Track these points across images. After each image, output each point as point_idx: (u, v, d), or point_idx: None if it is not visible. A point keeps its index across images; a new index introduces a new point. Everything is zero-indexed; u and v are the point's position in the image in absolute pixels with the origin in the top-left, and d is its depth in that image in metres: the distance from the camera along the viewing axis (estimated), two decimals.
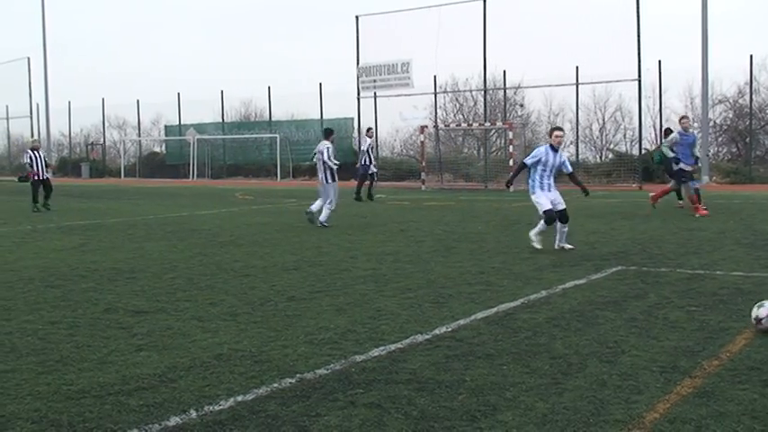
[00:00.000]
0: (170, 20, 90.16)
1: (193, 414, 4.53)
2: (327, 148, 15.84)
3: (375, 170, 24.72)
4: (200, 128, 44.55)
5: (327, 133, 16.29)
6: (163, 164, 47.28)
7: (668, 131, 18.90)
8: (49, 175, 21.38)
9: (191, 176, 43.29)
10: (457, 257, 10.80)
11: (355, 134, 37.34)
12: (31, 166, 21.16)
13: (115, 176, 46.79)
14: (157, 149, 50.63)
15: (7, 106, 50.12)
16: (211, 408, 4.63)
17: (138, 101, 47.82)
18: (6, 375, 5.36)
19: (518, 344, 6.03)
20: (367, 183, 23.94)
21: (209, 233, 14.44)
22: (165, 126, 48.21)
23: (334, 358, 5.66)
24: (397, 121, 37.61)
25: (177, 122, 46.15)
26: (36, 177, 21.01)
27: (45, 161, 21.59)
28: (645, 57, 28.60)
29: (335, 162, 15.87)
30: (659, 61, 30.55)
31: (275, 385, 5.05)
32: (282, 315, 7.17)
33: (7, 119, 51.45)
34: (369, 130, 26.02)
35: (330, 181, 15.70)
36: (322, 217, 15.36)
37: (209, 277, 9.38)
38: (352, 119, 37.57)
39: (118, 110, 50.47)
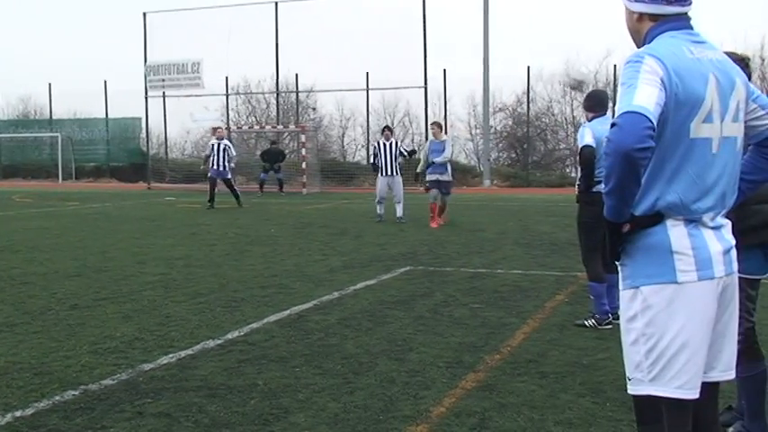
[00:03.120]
0: None
1: None
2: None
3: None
4: None
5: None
6: None
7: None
8: (229, 175, 18.48)
9: None
10: (250, 260, 10.72)
11: (143, 134, 36.15)
12: (208, 159, 18.76)
13: None
14: None
15: None
16: None
17: None
18: None
19: (310, 345, 6.08)
20: None
21: None
22: None
23: (120, 368, 5.45)
24: (187, 123, 36.78)
25: None
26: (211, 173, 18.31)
27: (227, 155, 18.90)
28: (431, 65, 29.72)
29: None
30: (444, 70, 31.85)
31: (57, 398, 4.79)
32: (64, 324, 6.82)
33: None
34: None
35: None
36: None
37: None
38: (140, 119, 36.35)
39: None
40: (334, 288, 8.54)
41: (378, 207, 16.57)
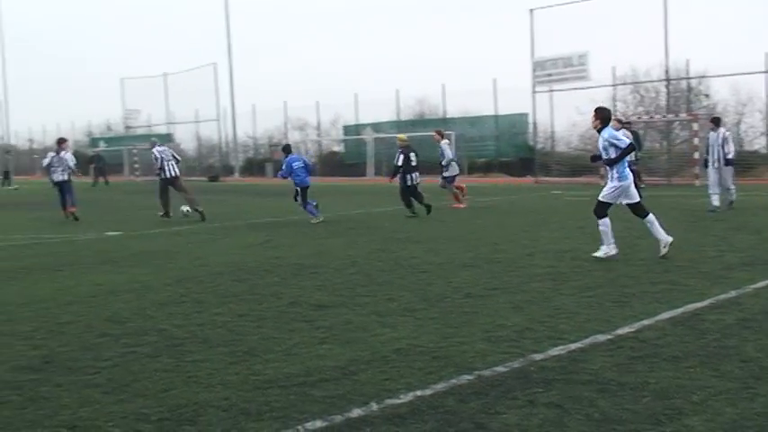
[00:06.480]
0: (347, 23, 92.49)
1: (374, 407, 4.63)
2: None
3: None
4: (376, 127, 45.33)
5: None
6: (341, 163, 48.44)
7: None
8: (418, 181, 17.67)
9: (368, 174, 44.13)
10: (639, 255, 10.45)
11: (530, 130, 36.85)
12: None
13: None
14: (336, 149, 51.95)
15: (197, 110, 52.88)
16: (392, 401, 4.72)
17: (317, 102, 49.25)
18: (199, 365, 5.69)
19: (705, 346, 5.76)
20: None
21: (386, 230, 14.70)
22: (343, 126, 49.39)
23: (512, 356, 5.62)
24: (573, 116, 36.78)
25: (354, 122, 47.20)
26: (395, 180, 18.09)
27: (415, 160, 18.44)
28: None
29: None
30: None
31: (453, 381, 5.08)
32: (459, 311, 7.20)
33: (197, 122, 54.35)
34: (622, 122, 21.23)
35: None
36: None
37: (387, 273, 9.55)
38: (527, 114, 37.10)
39: (299, 111, 52.05)
40: (731, 286, 8.00)
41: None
